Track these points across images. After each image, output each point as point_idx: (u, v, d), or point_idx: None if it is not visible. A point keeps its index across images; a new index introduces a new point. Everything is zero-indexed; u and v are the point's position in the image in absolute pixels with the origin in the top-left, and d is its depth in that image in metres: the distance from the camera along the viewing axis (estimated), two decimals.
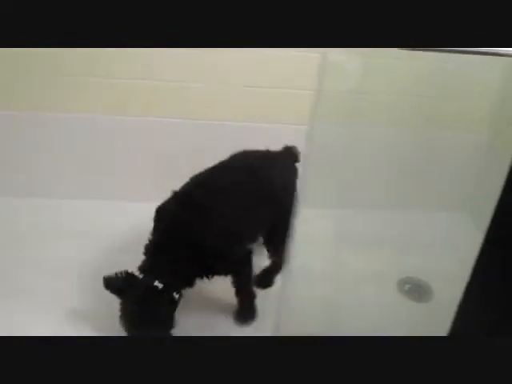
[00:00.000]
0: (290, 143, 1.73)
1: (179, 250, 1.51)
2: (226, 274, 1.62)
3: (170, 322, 1.55)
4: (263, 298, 1.76)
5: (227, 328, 1.70)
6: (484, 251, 1.39)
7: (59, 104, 2.05)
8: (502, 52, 1.09)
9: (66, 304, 1.75)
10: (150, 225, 1.60)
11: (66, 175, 2.22)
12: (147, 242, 1.55)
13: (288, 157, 1.75)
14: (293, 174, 1.72)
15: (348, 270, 1.84)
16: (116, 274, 1.53)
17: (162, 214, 1.58)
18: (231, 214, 1.57)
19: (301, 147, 1.42)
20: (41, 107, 2.05)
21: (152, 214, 1.59)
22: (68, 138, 2.14)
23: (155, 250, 1.54)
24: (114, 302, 1.53)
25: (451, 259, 1.90)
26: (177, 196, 1.58)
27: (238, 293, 1.68)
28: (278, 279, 1.81)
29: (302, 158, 1.41)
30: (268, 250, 1.76)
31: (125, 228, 2.10)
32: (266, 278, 1.81)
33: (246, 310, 1.71)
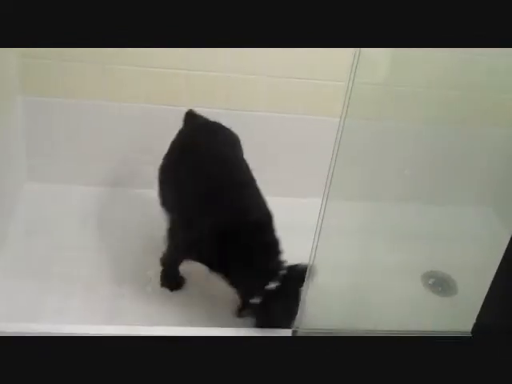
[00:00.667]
0: (319, 135, 1.73)
1: None
2: None
3: None
4: None
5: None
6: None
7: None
8: None
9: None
10: None
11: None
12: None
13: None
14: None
15: (374, 263, 1.84)
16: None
17: None
18: None
19: (331, 139, 1.40)
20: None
21: None
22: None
23: None
24: None
25: (476, 253, 1.93)
26: None
27: None
28: None
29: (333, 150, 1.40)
30: None
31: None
32: None
33: None
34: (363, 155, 1.64)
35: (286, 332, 1.55)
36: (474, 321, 1.48)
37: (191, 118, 1.88)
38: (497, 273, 1.42)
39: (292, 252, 1.64)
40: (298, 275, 1.53)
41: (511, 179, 2.22)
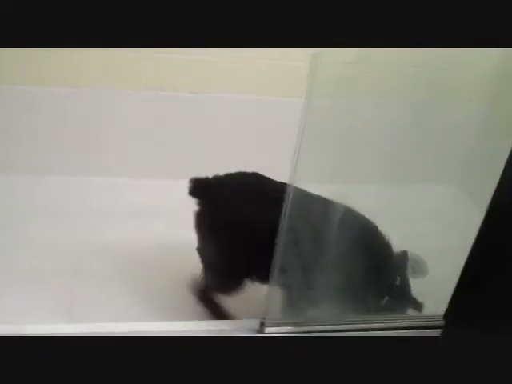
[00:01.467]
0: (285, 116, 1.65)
1: None
2: None
3: None
4: None
5: None
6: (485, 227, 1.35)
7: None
8: None
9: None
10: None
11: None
12: None
13: None
14: None
15: None
16: None
17: None
18: None
19: (296, 120, 1.34)
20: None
21: None
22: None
23: None
24: None
25: (445, 232, 1.93)
26: None
27: None
28: None
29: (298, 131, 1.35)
30: None
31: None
32: None
33: None
34: (327, 136, 1.58)
35: (254, 323, 1.50)
36: (446, 304, 1.44)
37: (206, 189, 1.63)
38: (469, 256, 1.37)
39: None
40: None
41: (477, 155, 2.19)
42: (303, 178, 1.41)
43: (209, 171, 1.59)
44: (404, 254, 1.61)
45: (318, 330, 1.51)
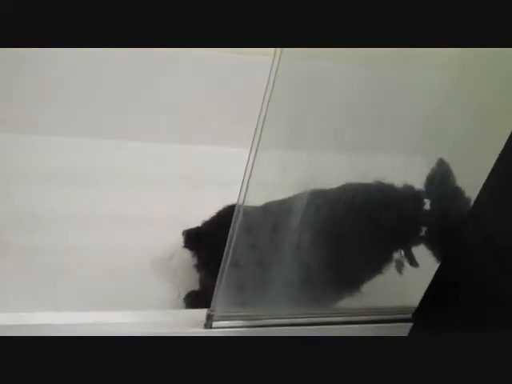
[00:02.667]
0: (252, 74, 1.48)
1: None
2: None
3: None
4: None
5: None
6: None
7: None
8: None
9: None
10: None
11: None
12: None
13: None
14: None
15: None
16: None
17: None
18: None
19: (262, 82, 1.14)
20: None
21: None
22: None
23: None
24: None
25: None
26: None
27: None
28: None
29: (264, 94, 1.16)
30: None
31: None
32: None
33: None
34: (294, 102, 1.40)
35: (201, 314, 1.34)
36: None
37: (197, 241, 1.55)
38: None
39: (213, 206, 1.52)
40: None
41: (441, 126, 2.09)
42: (267, 144, 1.24)
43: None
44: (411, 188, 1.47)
45: (270, 323, 1.37)
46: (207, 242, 1.48)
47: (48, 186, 1.73)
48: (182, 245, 1.51)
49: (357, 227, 1.39)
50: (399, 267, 1.41)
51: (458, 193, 1.43)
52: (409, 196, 1.44)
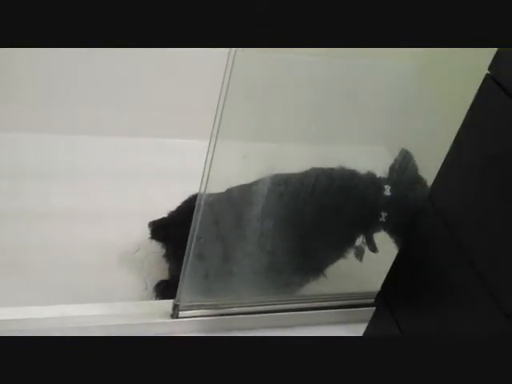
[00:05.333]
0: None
1: None
2: None
3: None
4: None
5: None
6: None
7: None
8: None
9: None
10: None
11: None
12: None
13: None
14: None
15: None
16: None
17: None
18: None
19: (220, 72, 1.14)
20: None
21: None
22: None
23: None
24: None
25: None
26: None
27: None
28: None
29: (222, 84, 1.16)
30: None
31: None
32: None
33: None
34: (253, 91, 1.40)
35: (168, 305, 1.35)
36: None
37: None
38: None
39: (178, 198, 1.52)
40: None
41: (402, 116, 2.11)
42: (226, 135, 1.24)
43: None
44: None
45: (235, 312, 1.38)
46: (174, 231, 1.48)
47: (8, 182, 1.71)
48: (149, 236, 1.51)
49: (319, 211, 1.41)
50: (360, 254, 1.43)
51: (418, 181, 1.46)
52: (369, 181, 1.46)
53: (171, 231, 1.48)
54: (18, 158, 1.79)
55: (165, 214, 1.53)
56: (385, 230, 1.44)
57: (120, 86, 1.88)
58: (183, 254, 1.32)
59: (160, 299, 1.46)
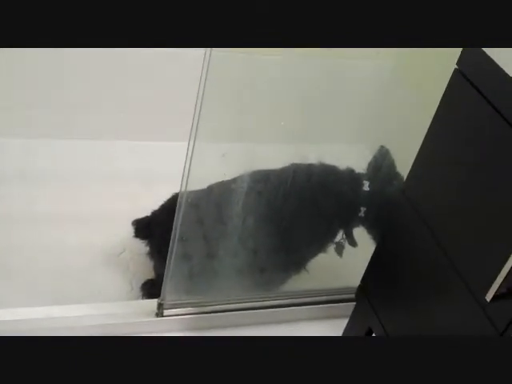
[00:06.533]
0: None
1: None
2: None
3: None
4: None
5: None
6: None
7: None
8: None
9: None
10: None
11: None
12: None
13: None
14: None
15: None
16: None
17: None
18: None
19: (197, 74, 1.16)
20: None
21: None
22: None
23: None
24: None
25: None
26: None
27: None
28: None
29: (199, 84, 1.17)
30: None
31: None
32: None
33: None
34: (231, 91, 1.42)
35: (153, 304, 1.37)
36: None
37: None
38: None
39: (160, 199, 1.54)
40: None
41: (384, 114, 2.12)
42: (205, 136, 1.26)
43: None
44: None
45: (220, 309, 1.40)
46: (157, 229, 1.49)
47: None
48: (133, 235, 1.51)
49: (299, 205, 1.43)
50: (339, 249, 1.46)
51: (395, 176, 1.49)
52: (348, 177, 1.49)
53: (154, 229, 1.49)
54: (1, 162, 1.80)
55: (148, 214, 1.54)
56: (363, 225, 1.47)
57: (103, 88, 1.88)
58: (167, 252, 1.34)
59: (147, 298, 1.47)
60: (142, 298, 1.48)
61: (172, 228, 1.29)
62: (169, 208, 1.48)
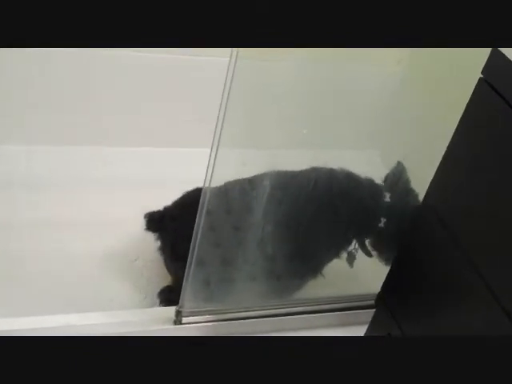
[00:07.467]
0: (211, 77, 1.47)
1: None
2: None
3: None
4: None
5: None
6: None
7: None
8: None
9: None
10: None
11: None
12: None
13: None
14: None
15: None
16: None
17: None
18: None
19: (221, 82, 1.16)
20: None
21: None
22: None
23: None
24: None
25: None
26: None
27: None
28: None
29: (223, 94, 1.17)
30: None
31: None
32: None
33: None
34: (252, 99, 1.41)
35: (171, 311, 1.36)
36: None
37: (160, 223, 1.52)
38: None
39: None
40: None
41: (396, 120, 2.13)
42: (228, 143, 1.26)
43: None
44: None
45: (238, 317, 1.40)
46: (170, 224, 1.47)
47: (4, 194, 1.71)
48: (144, 227, 1.48)
49: (320, 210, 1.43)
50: (351, 259, 1.46)
51: (410, 193, 1.49)
52: (369, 185, 1.48)
53: (167, 223, 1.47)
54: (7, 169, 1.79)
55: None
56: (384, 234, 1.47)
57: (104, 94, 1.88)
58: (178, 248, 1.33)
59: (164, 305, 1.46)
60: (160, 305, 1.47)
61: (184, 224, 1.29)
62: (181, 204, 1.48)
